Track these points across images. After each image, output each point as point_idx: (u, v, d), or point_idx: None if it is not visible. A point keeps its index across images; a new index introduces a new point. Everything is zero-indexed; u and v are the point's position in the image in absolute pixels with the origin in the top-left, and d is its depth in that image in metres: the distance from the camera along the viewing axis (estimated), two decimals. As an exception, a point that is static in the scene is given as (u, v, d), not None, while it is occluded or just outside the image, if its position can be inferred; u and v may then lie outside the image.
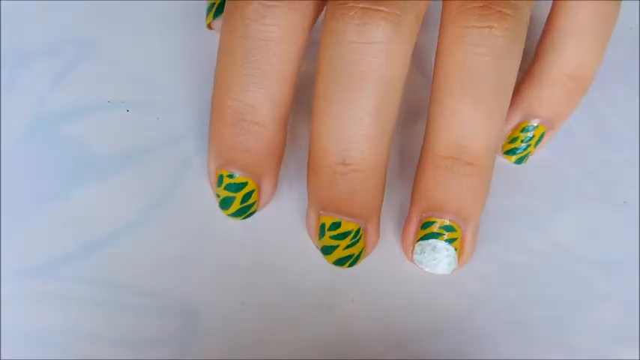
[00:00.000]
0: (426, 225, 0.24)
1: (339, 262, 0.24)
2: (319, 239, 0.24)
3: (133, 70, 0.28)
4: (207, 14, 0.27)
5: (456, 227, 0.24)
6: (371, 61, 0.21)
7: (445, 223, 0.24)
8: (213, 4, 0.27)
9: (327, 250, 0.24)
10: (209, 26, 0.28)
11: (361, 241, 0.24)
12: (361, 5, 0.21)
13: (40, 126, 0.26)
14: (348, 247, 0.24)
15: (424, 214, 0.24)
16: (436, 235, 0.24)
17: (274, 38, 0.22)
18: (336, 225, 0.23)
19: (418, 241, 0.24)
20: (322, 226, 0.24)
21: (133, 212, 0.25)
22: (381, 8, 0.21)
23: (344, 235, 0.24)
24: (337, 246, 0.24)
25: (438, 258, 0.24)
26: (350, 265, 0.24)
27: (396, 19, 0.21)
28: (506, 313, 0.25)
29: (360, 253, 0.24)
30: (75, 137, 0.26)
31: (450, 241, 0.24)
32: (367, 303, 0.25)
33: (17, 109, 0.26)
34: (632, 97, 0.29)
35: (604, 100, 0.29)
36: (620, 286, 0.26)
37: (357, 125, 0.22)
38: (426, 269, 0.25)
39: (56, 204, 0.25)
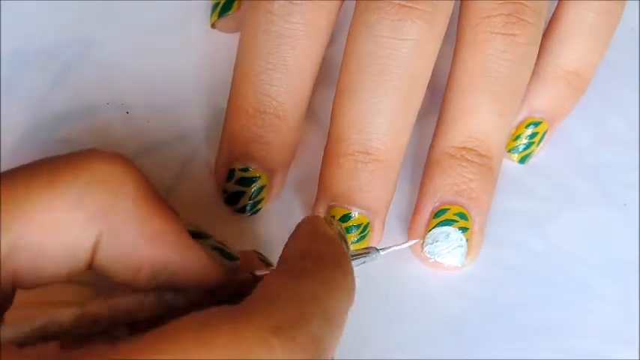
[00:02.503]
0: (439, 213, 0.24)
1: None
2: None
3: (133, 71, 0.27)
4: (212, 13, 0.27)
5: (468, 216, 0.24)
6: (402, 57, 0.22)
7: (459, 210, 0.24)
8: (218, 3, 0.27)
9: None
10: (213, 25, 0.28)
11: (367, 237, 0.24)
12: (396, 2, 0.22)
13: (40, 128, 0.26)
14: (355, 241, 0.24)
15: (437, 203, 0.24)
16: (450, 222, 0.24)
17: (299, 35, 0.23)
18: (346, 217, 0.24)
19: (430, 230, 0.25)
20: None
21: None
22: (416, 6, 0.22)
23: (352, 229, 0.24)
24: None
25: (451, 247, 0.24)
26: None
27: (429, 18, 0.22)
28: (506, 315, 0.25)
29: None
30: (75, 139, 0.26)
31: (463, 230, 0.24)
32: (368, 305, 0.25)
33: (17, 111, 0.26)
34: (632, 99, 0.29)
35: (604, 102, 0.29)
36: (620, 287, 0.26)
37: (382, 118, 0.23)
38: (438, 259, 0.25)
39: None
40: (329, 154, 0.24)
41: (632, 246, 0.26)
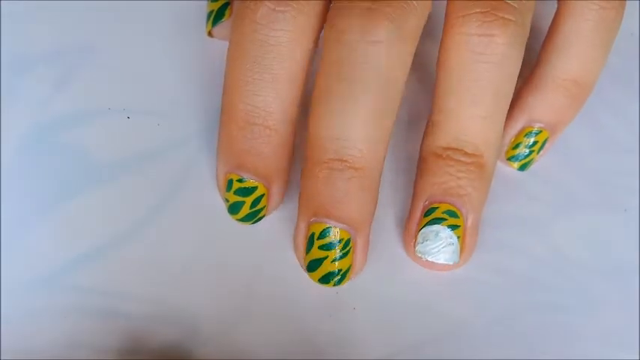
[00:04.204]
0: (429, 212, 0.24)
1: (325, 279, 0.24)
2: (307, 253, 0.24)
3: (134, 76, 0.27)
4: (207, 22, 0.28)
5: (458, 214, 0.24)
6: (373, 61, 0.22)
7: (448, 208, 0.24)
8: (212, 11, 0.27)
9: (313, 265, 0.24)
10: (209, 34, 0.28)
11: (349, 255, 0.24)
12: (365, 5, 0.21)
13: (41, 133, 0.26)
14: (337, 259, 0.23)
15: (427, 202, 0.24)
16: (439, 221, 0.24)
17: (284, 42, 0.22)
18: (325, 232, 0.23)
19: (421, 229, 0.24)
20: (311, 235, 0.23)
21: (134, 220, 0.25)
22: (385, 9, 0.21)
23: (334, 245, 0.23)
24: (325, 258, 0.23)
25: (441, 245, 0.24)
26: (335, 284, 0.24)
27: (398, 20, 0.21)
28: (506, 319, 0.25)
29: (347, 271, 0.24)
30: (75, 144, 0.26)
31: (453, 227, 0.24)
32: (368, 311, 0.25)
33: (17, 116, 0.26)
34: (632, 104, 0.29)
35: (604, 107, 0.29)
36: (620, 291, 0.26)
37: (356, 124, 0.22)
38: (429, 258, 0.24)
39: (56, 212, 0.25)
40: (305, 165, 0.23)
41: (632, 251, 0.26)
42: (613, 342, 0.25)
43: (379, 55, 0.22)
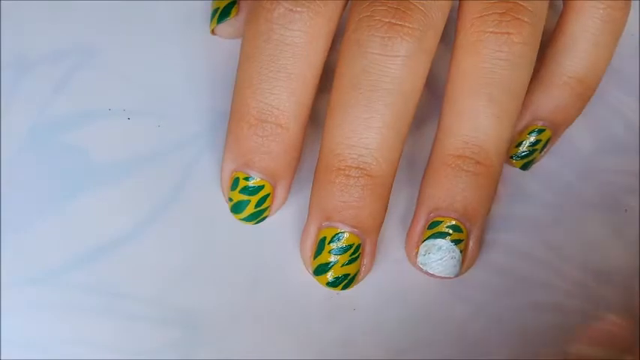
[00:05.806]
0: (433, 225, 0.24)
1: (335, 282, 0.24)
2: (316, 257, 0.24)
3: (134, 77, 0.27)
4: (212, 20, 0.27)
5: (462, 228, 0.24)
6: (392, 73, 0.22)
7: (452, 223, 0.24)
8: (217, 9, 0.27)
9: (322, 269, 0.24)
10: (213, 32, 0.28)
11: (358, 260, 0.24)
12: (387, 20, 0.22)
13: (41, 134, 0.26)
14: (346, 264, 0.24)
15: (432, 214, 0.24)
16: (443, 235, 0.24)
17: (300, 43, 0.23)
18: (337, 237, 0.23)
19: (424, 241, 0.24)
20: (322, 240, 0.24)
21: (134, 221, 0.25)
22: (406, 24, 0.22)
23: (344, 249, 0.24)
24: (334, 262, 0.24)
25: (443, 259, 0.24)
26: (344, 287, 0.24)
27: (418, 35, 0.22)
28: (506, 321, 0.25)
29: (355, 275, 0.24)
30: (76, 145, 0.26)
31: (456, 242, 0.24)
32: (368, 312, 0.25)
33: (18, 117, 0.26)
34: (633, 104, 0.29)
35: (605, 107, 0.29)
36: (620, 293, 0.26)
37: (373, 133, 0.23)
38: (430, 271, 0.24)
39: (56, 213, 0.25)
40: (321, 171, 0.24)
41: (632, 252, 0.26)
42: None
43: (398, 69, 0.22)
